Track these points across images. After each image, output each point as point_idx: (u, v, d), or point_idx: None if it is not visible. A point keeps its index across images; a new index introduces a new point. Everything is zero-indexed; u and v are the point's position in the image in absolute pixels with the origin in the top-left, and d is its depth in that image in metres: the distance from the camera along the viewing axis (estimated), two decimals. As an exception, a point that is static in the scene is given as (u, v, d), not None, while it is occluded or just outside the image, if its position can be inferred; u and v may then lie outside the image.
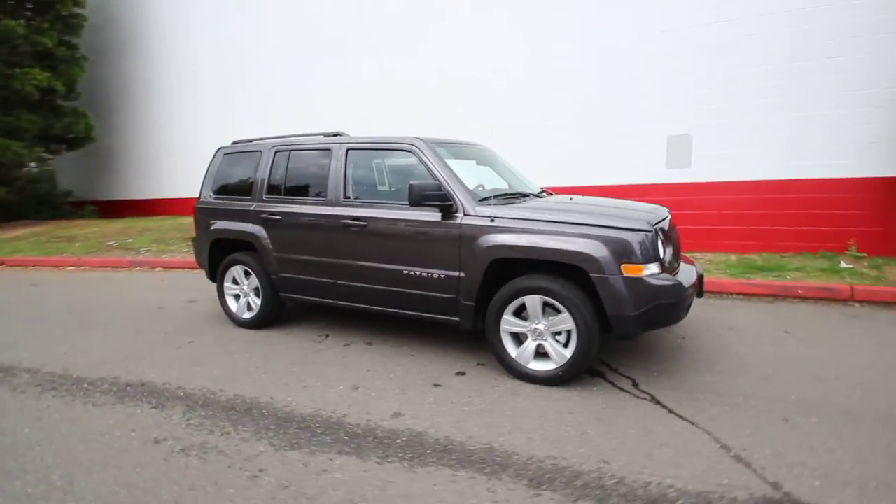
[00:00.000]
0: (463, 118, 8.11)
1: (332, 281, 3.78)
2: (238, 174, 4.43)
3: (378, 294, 3.59)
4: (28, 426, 2.69)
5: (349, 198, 3.71)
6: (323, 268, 3.81)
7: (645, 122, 7.06)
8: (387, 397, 2.93)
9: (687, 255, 4.00)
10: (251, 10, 10.62)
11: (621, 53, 7.18)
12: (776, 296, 5.00)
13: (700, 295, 3.38)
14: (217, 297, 4.53)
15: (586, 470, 2.16)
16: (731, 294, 5.13)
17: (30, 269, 7.88)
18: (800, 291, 4.94)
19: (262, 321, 4.26)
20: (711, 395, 2.85)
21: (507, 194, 3.64)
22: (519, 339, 3.12)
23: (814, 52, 6.10)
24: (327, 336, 4.06)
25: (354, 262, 3.64)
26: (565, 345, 2.97)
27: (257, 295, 4.25)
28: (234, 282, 4.40)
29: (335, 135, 4.06)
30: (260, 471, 2.20)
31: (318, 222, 3.78)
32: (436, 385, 3.08)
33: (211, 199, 4.53)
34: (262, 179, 4.17)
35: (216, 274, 4.48)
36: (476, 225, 3.13)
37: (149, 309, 5.09)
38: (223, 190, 4.50)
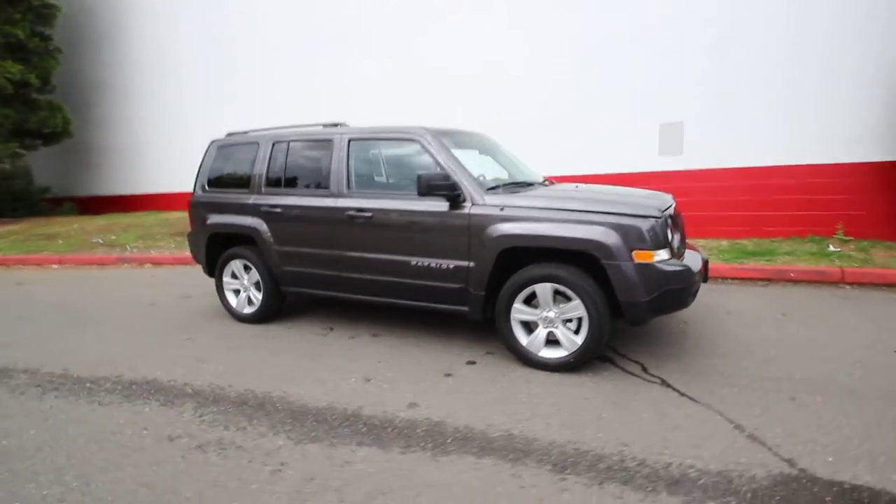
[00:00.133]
0: (463, 117, 8.07)
1: (337, 273, 3.74)
2: (234, 167, 4.33)
3: (385, 285, 3.56)
4: (33, 428, 2.61)
5: (353, 189, 3.67)
6: (326, 260, 3.76)
7: (639, 112, 7.13)
8: (400, 388, 2.92)
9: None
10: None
11: (620, 51, 7.24)
12: (770, 279, 5.11)
13: (705, 280, 3.43)
14: (215, 293, 4.45)
15: (608, 453, 2.19)
16: (727, 279, 5.24)
17: (12, 268, 7.63)
18: (792, 275, 5.06)
19: (263, 316, 4.20)
20: (719, 378, 2.91)
21: (513, 183, 3.64)
22: (529, 327, 3.14)
23: (804, 39, 6.20)
24: (332, 329, 4.03)
25: (360, 254, 3.60)
26: (576, 332, 2.99)
27: (258, 289, 4.19)
28: (234, 276, 4.32)
29: (335, 125, 4.00)
30: (282, 465, 2.18)
31: (321, 215, 3.73)
32: (447, 375, 3.09)
33: (206, 193, 4.43)
34: (261, 172, 4.09)
35: (214, 269, 4.39)
36: (485, 214, 3.13)
37: (142, 306, 4.98)
38: (218, 183, 4.40)
